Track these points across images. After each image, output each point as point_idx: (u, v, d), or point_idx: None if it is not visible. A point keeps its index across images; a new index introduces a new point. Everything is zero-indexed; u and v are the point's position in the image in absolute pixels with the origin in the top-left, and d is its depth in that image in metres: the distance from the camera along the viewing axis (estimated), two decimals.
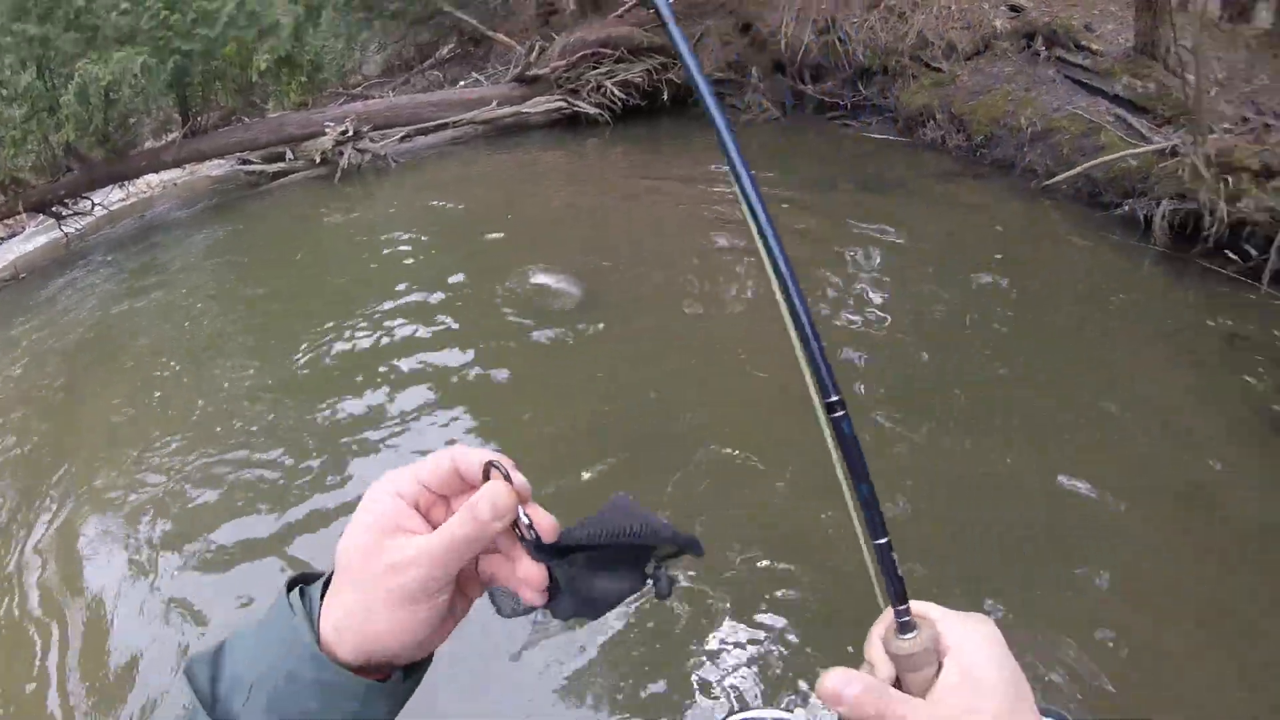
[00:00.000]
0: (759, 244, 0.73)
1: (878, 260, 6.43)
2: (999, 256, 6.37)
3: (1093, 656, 3.15)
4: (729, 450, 4.51)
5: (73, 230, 12.57)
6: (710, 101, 0.75)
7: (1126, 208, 6.49)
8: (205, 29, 10.08)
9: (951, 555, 3.70)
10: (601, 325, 6.06)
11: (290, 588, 0.72)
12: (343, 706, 0.67)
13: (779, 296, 0.74)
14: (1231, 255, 5.72)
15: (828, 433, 0.74)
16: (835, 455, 0.74)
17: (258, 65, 10.87)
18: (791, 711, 0.91)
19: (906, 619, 0.72)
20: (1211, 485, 4.05)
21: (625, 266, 7.07)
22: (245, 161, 12.91)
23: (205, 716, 0.65)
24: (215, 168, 15.13)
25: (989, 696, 0.68)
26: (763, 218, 0.72)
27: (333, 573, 0.71)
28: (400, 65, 17.23)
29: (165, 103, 12.20)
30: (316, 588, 0.71)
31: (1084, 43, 8.15)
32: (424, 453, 0.71)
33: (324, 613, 0.69)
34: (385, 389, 5.61)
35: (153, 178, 14.19)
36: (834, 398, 0.74)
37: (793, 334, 0.74)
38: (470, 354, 5.92)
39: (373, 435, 5.15)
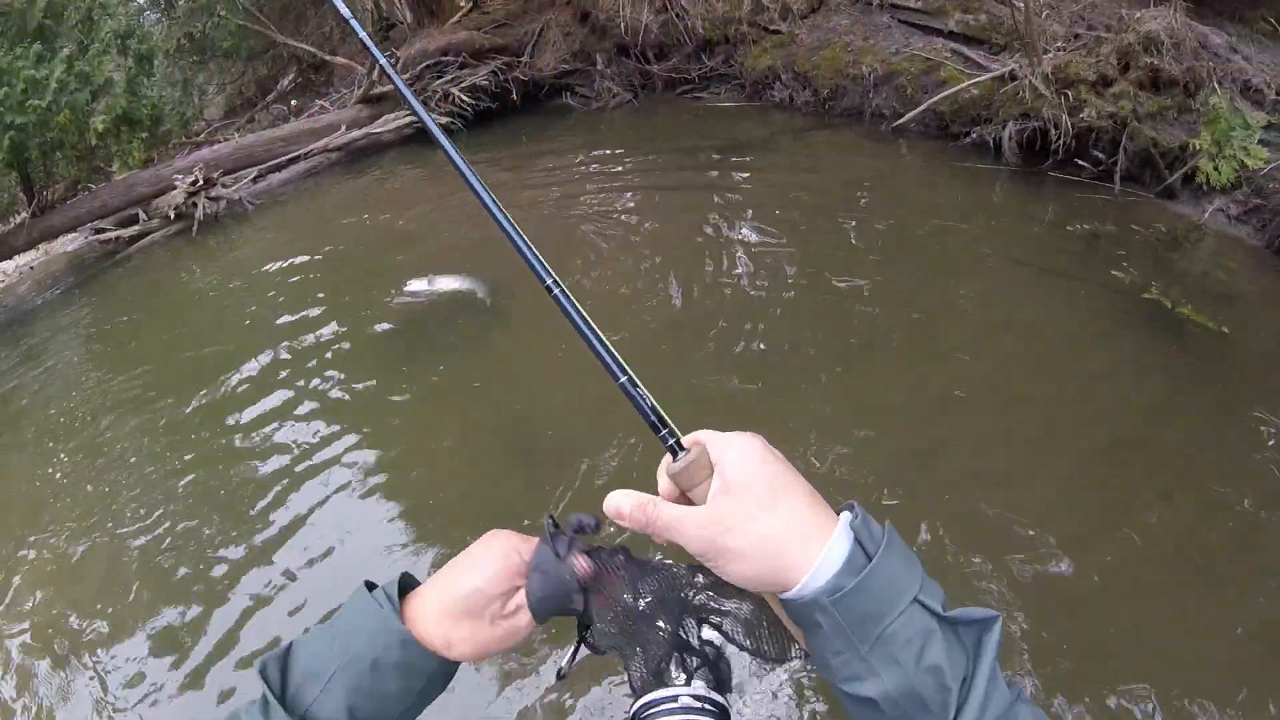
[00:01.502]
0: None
1: (748, 222, 6.53)
2: (864, 200, 6.59)
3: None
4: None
5: None
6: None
7: (975, 135, 6.83)
8: (37, 99, 9.49)
9: (854, 487, 3.81)
10: (509, 320, 6.00)
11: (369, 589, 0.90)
12: (415, 684, 0.85)
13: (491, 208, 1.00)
14: (1082, 163, 6.10)
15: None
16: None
17: (96, 128, 10.29)
18: (690, 684, 0.98)
19: (671, 443, 0.83)
20: (1097, 378, 4.32)
21: (510, 263, 6.94)
22: (98, 230, 12.23)
23: (278, 708, 0.79)
24: (70, 242, 14.24)
25: (743, 494, 0.76)
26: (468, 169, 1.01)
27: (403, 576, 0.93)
28: (243, 103, 16.54)
29: (7, 183, 11.47)
30: (393, 587, 0.90)
31: None
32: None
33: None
34: (291, 436, 5.26)
35: (6, 264, 13.43)
36: (548, 281, 0.93)
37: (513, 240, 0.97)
38: (372, 379, 5.66)
39: (289, 494, 4.80)
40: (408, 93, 1.05)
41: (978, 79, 6.86)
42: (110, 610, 4.35)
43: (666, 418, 0.84)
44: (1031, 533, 3.37)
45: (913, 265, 5.57)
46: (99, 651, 4.11)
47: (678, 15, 10.32)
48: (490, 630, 0.88)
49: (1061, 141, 6.09)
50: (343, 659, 0.82)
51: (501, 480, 4.38)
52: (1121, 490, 3.63)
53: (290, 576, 4.16)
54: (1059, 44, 6.51)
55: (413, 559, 4.01)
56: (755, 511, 0.75)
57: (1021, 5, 6.20)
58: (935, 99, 7.16)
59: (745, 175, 7.53)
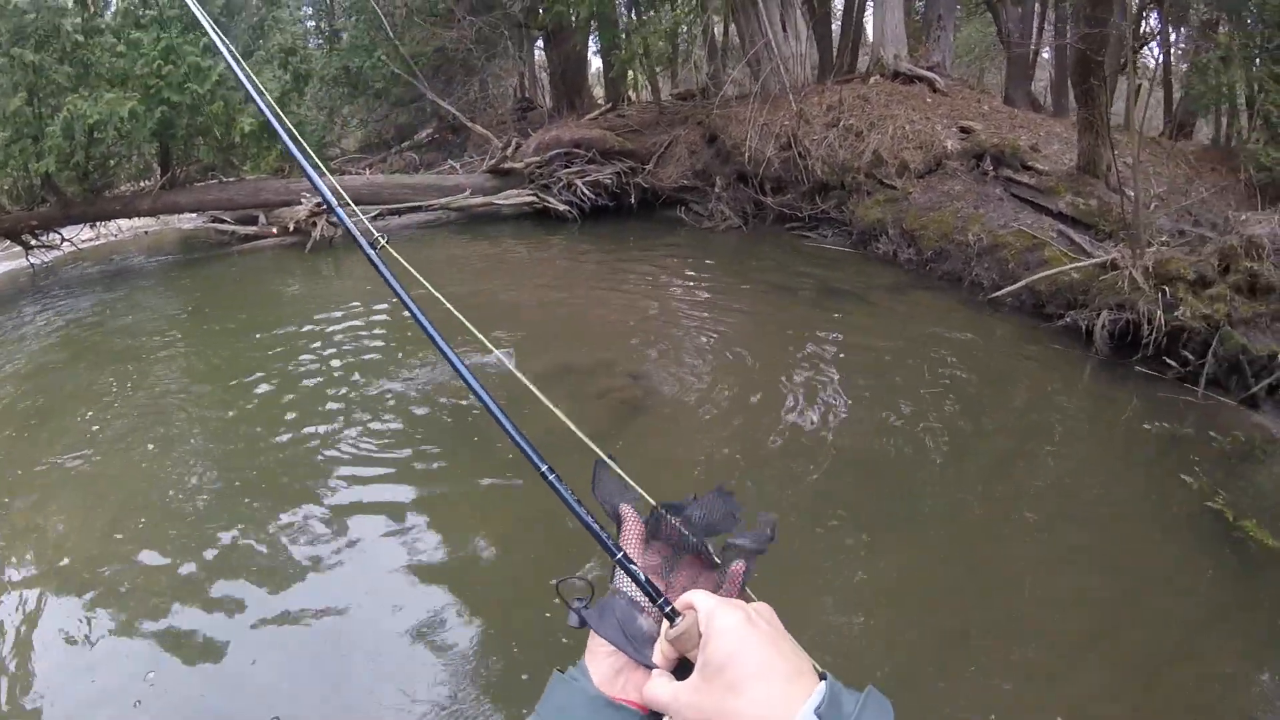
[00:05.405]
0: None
1: (834, 367, 6.53)
2: (949, 366, 6.49)
3: None
4: None
5: (39, 262, 12.84)
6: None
7: (1069, 319, 6.70)
8: (196, 84, 10.27)
9: (889, 658, 3.66)
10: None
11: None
12: None
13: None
14: (1170, 362, 5.91)
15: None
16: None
17: (241, 127, 11.02)
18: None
19: (668, 609, 0.88)
20: (1147, 583, 4.09)
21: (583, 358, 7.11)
22: (218, 220, 13.02)
23: None
24: (186, 221, 15.34)
25: (717, 676, 0.79)
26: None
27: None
28: (379, 144, 17.62)
29: (147, 150, 12.37)
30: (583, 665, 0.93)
31: (1030, 162, 8.59)
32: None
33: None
34: (330, 470, 5.42)
35: (124, 222, 14.35)
36: (543, 468, 0.99)
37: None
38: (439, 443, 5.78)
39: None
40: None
41: (1079, 264, 6.79)
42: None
43: (660, 588, 0.91)
44: None
45: (983, 440, 5.45)
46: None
47: (800, 155, 10.61)
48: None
49: (1153, 338, 5.93)
50: None
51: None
52: (1153, 709, 3.39)
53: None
54: (1163, 238, 6.42)
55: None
56: (724, 696, 0.78)
57: (1133, 195, 6.16)
58: (1035, 277, 7.10)
59: (835, 322, 7.58)
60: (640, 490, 0.99)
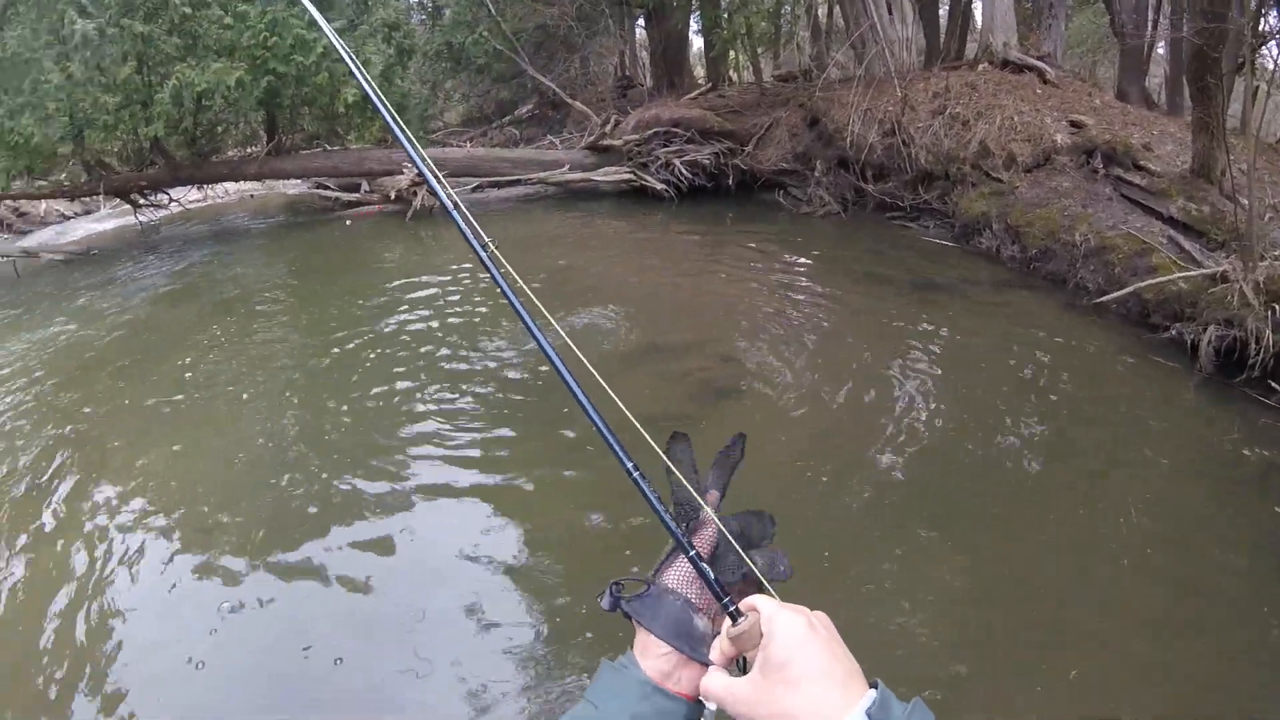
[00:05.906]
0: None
1: (925, 363, 6.39)
2: (1044, 370, 6.29)
3: None
4: None
5: (146, 220, 13.61)
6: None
7: (1174, 331, 6.37)
8: (301, 56, 10.65)
9: (963, 661, 3.60)
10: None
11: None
12: None
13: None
14: (1276, 386, 5.61)
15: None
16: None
17: (345, 98, 11.37)
18: None
19: (731, 609, 0.92)
20: (1229, 623, 3.92)
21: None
22: (321, 186, 13.49)
23: None
24: (291, 187, 15.99)
25: (776, 673, 0.83)
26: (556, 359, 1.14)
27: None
28: (480, 118, 17.93)
29: (254, 118, 12.91)
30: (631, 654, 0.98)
31: (1142, 162, 8.15)
32: None
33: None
34: (417, 435, 5.68)
35: (230, 185, 15.02)
36: (628, 465, 1.03)
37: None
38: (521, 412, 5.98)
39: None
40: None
41: (1188, 273, 6.46)
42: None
43: (728, 588, 0.95)
44: None
45: (1073, 451, 5.27)
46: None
47: (904, 142, 10.33)
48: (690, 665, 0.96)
49: (1260, 358, 5.63)
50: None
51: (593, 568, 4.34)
52: None
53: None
54: (1277, 252, 6.08)
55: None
56: (781, 693, 0.82)
57: (1246, 204, 5.84)
58: (1141, 285, 6.76)
59: (931, 317, 7.40)
60: (692, 490, 1.06)
